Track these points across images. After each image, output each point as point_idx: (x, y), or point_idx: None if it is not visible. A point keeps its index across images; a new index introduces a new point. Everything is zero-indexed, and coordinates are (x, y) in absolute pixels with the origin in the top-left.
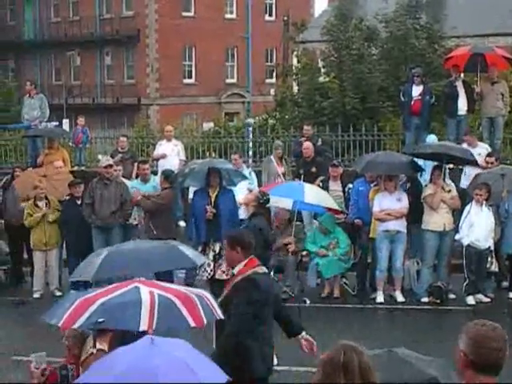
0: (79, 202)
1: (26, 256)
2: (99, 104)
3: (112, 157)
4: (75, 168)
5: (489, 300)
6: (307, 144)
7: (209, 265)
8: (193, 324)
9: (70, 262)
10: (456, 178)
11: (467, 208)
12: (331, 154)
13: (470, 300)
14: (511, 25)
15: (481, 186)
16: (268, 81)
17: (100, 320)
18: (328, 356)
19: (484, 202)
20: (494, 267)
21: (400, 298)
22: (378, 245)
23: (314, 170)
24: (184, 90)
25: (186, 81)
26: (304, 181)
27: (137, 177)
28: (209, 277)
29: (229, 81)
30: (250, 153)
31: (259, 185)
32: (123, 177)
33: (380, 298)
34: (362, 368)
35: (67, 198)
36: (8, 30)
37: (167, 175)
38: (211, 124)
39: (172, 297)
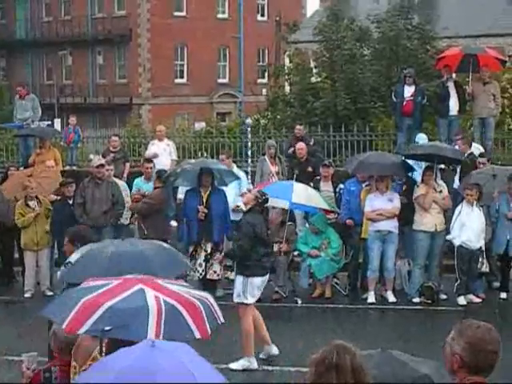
0: (71, 202)
1: (16, 256)
2: (91, 103)
3: (104, 156)
4: (67, 167)
5: (480, 300)
6: (301, 144)
7: (200, 265)
8: (198, 336)
9: (62, 261)
10: (449, 179)
11: (458, 208)
12: (322, 154)
13: (461, 300)
14: (503, 25)
15: (471, 186)
16: (260, 81)
17: (107, 328)
18: (320, 356)
19: (475, 203)
20: (485, 268)
21: (391, 298)
22: (370, 245)
23: (309, 169)
24: (176, 90)
25: (178, 80)
26: (299, 181)
27: (128, 177)
28: (200, 277)
29: (221, 81)
30: (249, 152)
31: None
32: (115, 176)
33: (371, 298)
34: (354, 368)
35: (56, 197)
36: None
37: (160, 175)
38: (203, 124)
39: (177, 305)
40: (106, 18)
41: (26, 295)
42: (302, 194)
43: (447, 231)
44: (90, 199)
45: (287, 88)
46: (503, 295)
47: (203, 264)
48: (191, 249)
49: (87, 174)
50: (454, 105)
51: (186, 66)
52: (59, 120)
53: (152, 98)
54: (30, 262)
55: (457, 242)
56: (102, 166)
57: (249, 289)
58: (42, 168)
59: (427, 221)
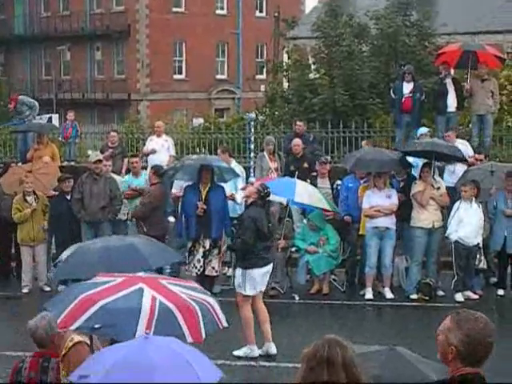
0: (68, 197)
1: (13, 251)
2: (89, 99)
3: (102, 152)
4: (65, 163)
5: (477, 297)
6: (297, 140)
7: (198, 261)
8: (190, 339)
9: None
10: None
11: (456, 204)
12: (321, 150)
13: (459, 297)
14: (501, 22)
15: (468, 182)
16: (258, 77)
17: (96, 326)
18: (312, 350)
19: (473, 199)
20: (483, 264)
21: (389, 294)
22: (367, 241)
23: (305, 165)
24: (174, 86)
25: (177, 76)
26: (297, 177)
27: (127, 172)
28: (198, 273)
29: (219, 77)
30: (252, 146)
31: (248, 180)
32: (113, 172)
33: (369, 294)
34: (345, 362)
35: (55, 193)
36: None
37: (157, 170)
38: (201, 120)
39: (173, 307)
40: (105, 14)
41: (24, 291)
42: (304, 193)
43: (445, 228)
44: (87, 195)
45: (285, 84)
46: (500, 292)
47: (201, 260)
48: (189, 244)
49: (85, 169)
50: (452, 101)
51: (184, 62)
52: (57, 115)
53: (150, 93)
54: (27, 257)
55: (453, 238)
56: (100, 161)
57: (247, 281)
58: (40, 164)
59: (425, 217)
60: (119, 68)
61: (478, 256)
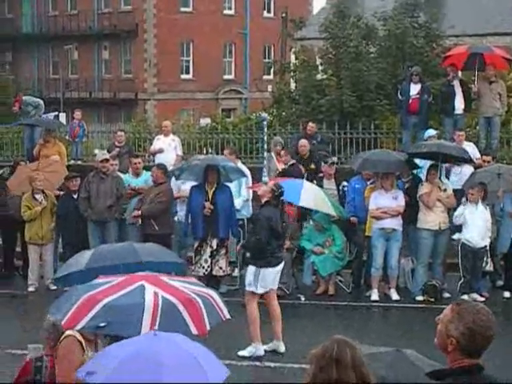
0: (75, 196)
1: (18, 249)
2: (96, 98)
3: (109, 151)
4: (71, 162)
5: (483, 299)
6: (303, 141)
7: (206, 261)
8: (195, 332)
9: (66, 255)
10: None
11: (461, 207)
12: (329, 151)
13: (465, 299)
14: (510, 24)
15: (475, 185)
16: (265, 77)
17: (102, 325)
18: (321, 350)
19: (480, 201)
20: (490, 267)
21: (395, 296)
22: (374, 243)
23: (312, 166)
24: (181, 86)
25: (184, 76)
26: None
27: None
28: (206, 273)
29: (226, 77)
30: (266, 146)
31: (254, 181)
32: (119, 171)
33: (375, 295)
34: (354, 362)
35: (62, 192)
36: (5, 22)
37: (164, 168)
38: (208, 120)
39: (176, 301)
40: (112, 13)
41: (30, 289)
42: (310, 197)
43: (451, 230)
44: (94, 194)
45: (293, 85)
46: (507, 294)
47: (209, 260)
48: (196, 245)
49: (92, 168)
50: (459, 103)
51: (191, 62)
52: (64, 114)
53: (157, 93)
54: (35, 255)
55: (456, 237)
56: (107, 160)
57: (260, 279)
58: (46, 162)
59: (431, 219)
60: (126, 67)
61: (484, 258)
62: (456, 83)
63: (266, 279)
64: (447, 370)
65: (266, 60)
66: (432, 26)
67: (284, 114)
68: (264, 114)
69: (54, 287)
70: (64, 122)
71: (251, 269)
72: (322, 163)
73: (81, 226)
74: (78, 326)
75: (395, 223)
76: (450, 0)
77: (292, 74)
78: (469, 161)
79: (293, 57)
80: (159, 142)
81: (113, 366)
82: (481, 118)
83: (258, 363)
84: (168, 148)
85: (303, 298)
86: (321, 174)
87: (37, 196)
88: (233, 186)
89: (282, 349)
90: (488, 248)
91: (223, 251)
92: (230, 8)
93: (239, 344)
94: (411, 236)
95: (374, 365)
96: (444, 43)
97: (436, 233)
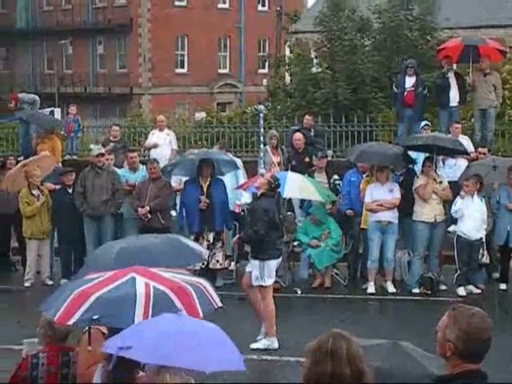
0: (70, 191)
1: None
2: (91, 93)
3: (104, 146)
4: (67, 157)
5: (479, 291)
6: (298, 135)
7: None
8: None
9: (62, 250)
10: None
11: (457, 199)
12: (323, 144)
13: (461, 291)
14: (504, 17)
15: (471, 177)
16: (260, 71)
17: (95, 317)
18: (316, 343)
19: (476, 193)
20: (486, 259)
21: (391, 288)
22: (370, 235)
23: (307, 160)
24: (176, 80)
25: (179, 70)
26: (296, 171)
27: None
28: (202, 266)
29: (221, 71)
30: (262, 138)
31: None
32: (115, 166)
33: (371, 288)
34: (350, 355)
35: (54, 186)
36: (0, 17)
37: (158, 163)
38: (203, 114)
39: (167, 290)
40: (107, 8)
41: (26, 284)
42: (295, 185)
43: (447, 222)
44: (90, 188)
45: (288, 78)
46: (503, 286)
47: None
48: (192, 239)
49: (87, 163)
50: (454, 96)
51: (186, 56)
52: (59, 109)
53: (152, 87)
54: (34, 250)
55: (451, 229)
56: (102, 155)
57: (266, 271)
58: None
59: (427, 211)
60: (121, 62)
61: (480, 250)
62: (451, 75)
63: (271, 270)
64: (447, 376)
65: (261, 54)
66: (426, 18)
67: (279, 107)
68: (260, 106)
69: (51, 282)
70: (59, 117)
71: (255, 263)
72: (313, 156)
73: (76, 220)
74: (71, 320)
75: (391, 216)
76: None
77: (287, 67)
78: (464, 152)
79: (287, 50)
80: (154, 136)
81: (152, 341)
82: (476, 110)
83: (254, 356)
84: (163, 143)
85: (299, 292)
86: (314, 168)
87: (34, 192)
88: (229, 178)
89: (276, 345)
90: (484, 240)
91: (219, 244)
92: (224, 2)
93: (235, 338)
94: (407, 228)
95: (368, 357)
96: (439, 36)
97: (432, 225)
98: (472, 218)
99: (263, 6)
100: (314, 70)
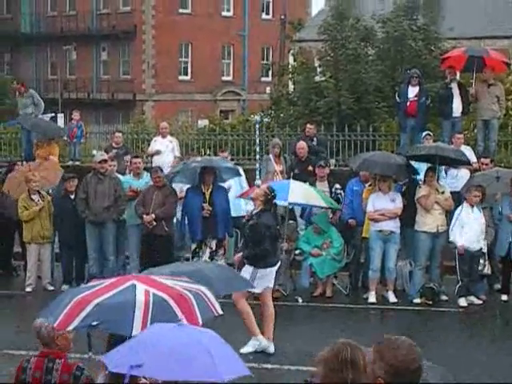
0: (72, 197)
1: (17, 250)
2: (94, 99)
3: (106, 152)
4: (69, 163)
5: (481, 302)
6: (301, 144)
7: (205, 262)
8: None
9: (63, 256)
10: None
11: (458, 209)
12: (325, 153)
13: (462, 302)
14: (508, 27)
15: (473, 188)
16: (264, 79)
17: (94, 323)
18: (332, 352)
19: (475, 204)
20: (487, 269)
21: (392, 298)
22: (371, 245)
23: (310, 168)
24: (180, 87)
25: (182, 77)
26: (299, 179)
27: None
28: None
29: (225, 78)
30: (258, 149)
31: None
32: (117, 172)
33: (372, 298)
34: (365, 365)
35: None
36: (4, 22)
37: (162, 171)
38: (206, 121)
39: (167, 297)
40: (111, 14)
41: (27, 289)
42: (299, 192)
43: (448, 232)
44: (92, 194)
45: (291, 87)
46: (504, 297)
47: (209, 261)
48: (194, 246)
49: (90, 169)
50: (457, 106)
51: (190, 63)
52: (62, 115)
53: (156, 94)
54: (34, 256)
55: (458, 243)
56: (105, 161)
57: (257, 278)
58: (38, 162)
59: (429, 222)
60: (125, 68)
61: (481, 261)
62: (454, 86)
63: (263, 278)
64: None
65: (265, 62)
66: (430, 28)
67: (282, 115)
68: (256, 117)
69: (52, 288)
70: (62, 123)
71: (248, 268)
72: (316, 167)
73: (78, 226)
74: (71, 326)
75: (393, 225)
76: (448, 2)
77: (290, 75)
78: (466, 163)
79: (291, 59)
80: (157, 143)
81: (162, 355)
82: (479, 121)
83: (254, 365)
84: (165, 149)
85: (301, 300)
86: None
87: (33, 197)
88: (234, 185)
89: (272, 350)
90: (485, 251)
91: (221, 252)
92: (228, 10)
93: (235, 344)
94: (409, 238)
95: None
96: (442, 46)
97: (434, 235)
98: (472, 228)
99: (267, 14)
100: (317, 78)
